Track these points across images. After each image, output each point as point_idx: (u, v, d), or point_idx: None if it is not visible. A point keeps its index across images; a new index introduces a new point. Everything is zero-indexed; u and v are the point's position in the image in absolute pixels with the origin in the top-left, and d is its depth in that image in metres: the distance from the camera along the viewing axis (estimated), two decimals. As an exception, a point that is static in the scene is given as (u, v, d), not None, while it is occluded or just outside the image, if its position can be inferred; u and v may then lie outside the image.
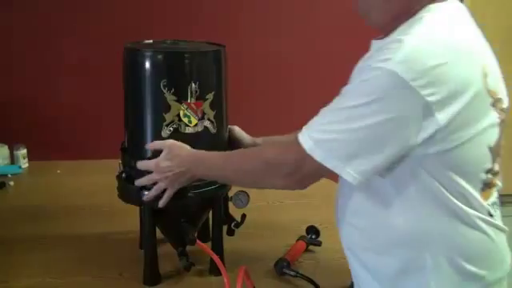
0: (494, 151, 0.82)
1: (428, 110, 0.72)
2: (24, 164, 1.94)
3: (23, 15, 2.42)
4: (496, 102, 0.81)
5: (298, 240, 1.37)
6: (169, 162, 1.01)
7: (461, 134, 0.76)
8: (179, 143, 1.04)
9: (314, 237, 1.40)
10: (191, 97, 1.03)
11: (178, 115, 1.03)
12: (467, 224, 0.81)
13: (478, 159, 0.81)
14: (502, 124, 0.84)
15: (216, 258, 1.13)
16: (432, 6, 0.81)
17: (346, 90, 0.80)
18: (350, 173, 0.77)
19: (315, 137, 0.80)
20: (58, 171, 1.91)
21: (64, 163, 1.98)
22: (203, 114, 1.07)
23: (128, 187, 1.11)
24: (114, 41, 2.29)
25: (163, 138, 1.04)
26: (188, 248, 1.19)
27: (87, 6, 2.44)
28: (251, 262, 1.19)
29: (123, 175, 1.13)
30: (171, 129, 1.04)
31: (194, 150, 1.04)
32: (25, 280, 1.19)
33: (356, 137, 0.76)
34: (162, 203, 1.05)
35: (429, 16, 0.79)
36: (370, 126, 0.75)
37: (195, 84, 1.03)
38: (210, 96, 1.07)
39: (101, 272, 1.23)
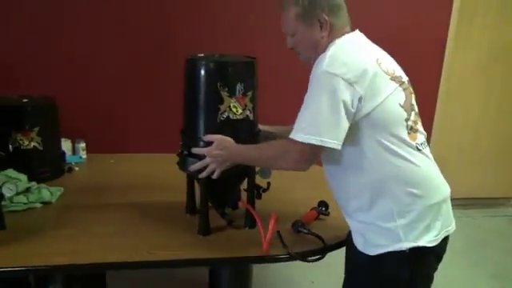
0: (405, 106, 1.26)
1: (351, 86, 1.17)
2: (83, 155, 2.34)
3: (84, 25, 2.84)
4: (394, 78, 1.27)
5: (311, 210, 1.70)
6: (219, 151, 1.41)
7: (376, 98, 1.20)
8: (226, 137, 1.42)
9: (323, 209, 1.72)
10: (238, 93, 1.43)
11: (229, 106, 1.43)
12: (403, 158, 1.23)
13: (394, 112, 1.24)
14: (407, 90, 1.30)
15: (253, 210, 1.53)
16: (342, 37, 1.30)
17: (306, 94, 1.23)
18: (329, 142, 1.18)
19: (299, 129, 1.21)
20: (112, 161, 2.32)
21: (115, 155, 2.37)
22: (245, 106, 1.47)
23: (187, 160, 1.50)
24: (164, 54, 2.80)
25: (218, 123, 1.44)
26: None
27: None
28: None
29: (185, 152, 1.51)
30: (224, 116, 1.43)
31: (236, 144, 1.42)
32: (102, 228, 1.57)
33: (320, 117, 1.19)
34: (215, 176, 1.44)
35: (339, 40, 1.28)
36: (325, 106, 1.17)
37: (241, 84, 1.44)
38: (250, 93, 1.47)
39: (162, 227, 1.59)
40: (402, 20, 3.27)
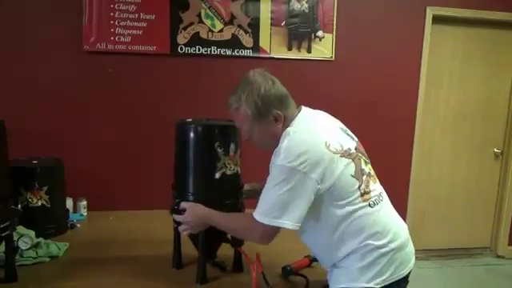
0: (356, 175, 1.42)
1: (306, 175, 1.34)
2: (84, 212, 2.49)
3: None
4: (343, 154, 1.41)
5: (304, 257, 1.82)
6: (191, 218, 1.58)
7: (332, 177, 1.37)
8: (197, 205, 1.58)
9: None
10: (231, 152, 1.64)
11: (224, 163, 1.62)
12: (357, 217, 1.41)
13: (348, 184, 1.40)
14: (356, 158, 1.44)
15: (245, 253, 1.69)
16: (292, 123, 1.46)
17: (268, 179, 1.41)
18: (287, 223, 1.36)
19: (260, 212, 1.40)
20: (111, 218, 2.46)
21: (114, 213, 2.53)
22: (236, 162, 1.67)
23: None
24: (154, 123, 3.11)
25: (215, 179, 1.61)
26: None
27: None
28: (267, 268, 1.66)
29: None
30: (220, 172, 1.62)
31: (207, 211, 1.56)
32: (105, 279, 1.71)
33: (279, 202, 1.36)
34: (192, 232, 1.63)
35: (291, 129, 1.43)
36: (284, 193, 1.36)
37: (233, 143, 1.64)
38: (239, 151, 1.68)
39: (156, 278, 1.72)
40: (377, 84, 3.60)
